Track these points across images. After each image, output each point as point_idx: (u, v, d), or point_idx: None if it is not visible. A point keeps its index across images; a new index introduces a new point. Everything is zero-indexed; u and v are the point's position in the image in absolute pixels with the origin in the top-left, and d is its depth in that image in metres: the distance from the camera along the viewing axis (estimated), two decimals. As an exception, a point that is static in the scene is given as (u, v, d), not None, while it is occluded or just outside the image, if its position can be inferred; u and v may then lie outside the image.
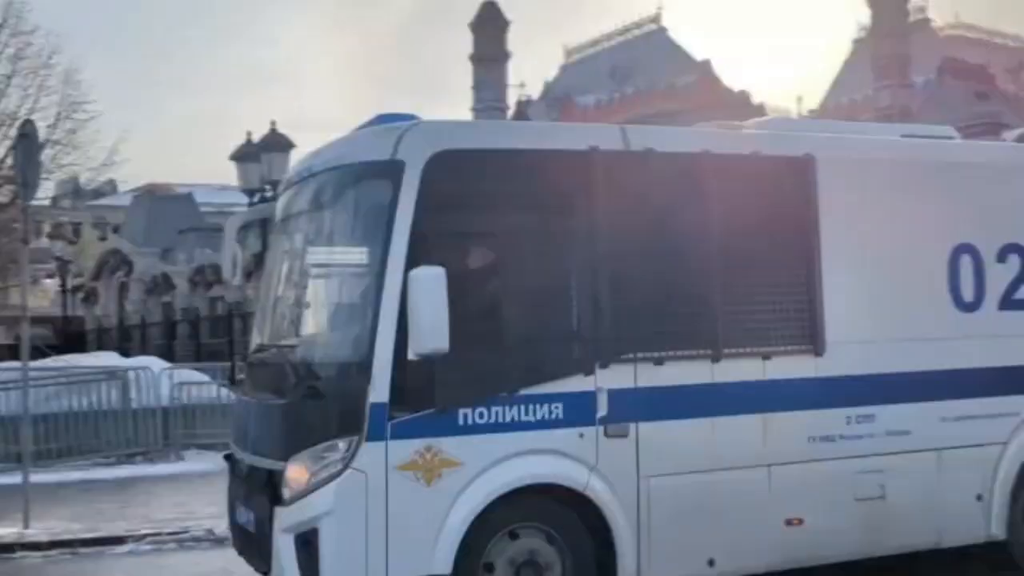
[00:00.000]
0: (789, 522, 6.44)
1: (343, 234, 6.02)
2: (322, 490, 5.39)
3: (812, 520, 6.51)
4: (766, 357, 6.43)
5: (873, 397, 6.75)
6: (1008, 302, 7.29)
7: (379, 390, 5.39)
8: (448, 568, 5.49)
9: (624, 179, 6.10)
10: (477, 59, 65.38)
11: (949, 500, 6.97)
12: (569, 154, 5.99)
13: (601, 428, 5.91)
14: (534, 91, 68.63)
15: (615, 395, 5.96)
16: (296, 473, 5.51)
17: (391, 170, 5.57)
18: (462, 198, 5.76)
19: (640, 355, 6.04)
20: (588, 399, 5.89)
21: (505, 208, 5.83)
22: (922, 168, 7.13)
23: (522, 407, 5.73)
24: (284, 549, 5.51)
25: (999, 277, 7.24)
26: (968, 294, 7.15)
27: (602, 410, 5.92)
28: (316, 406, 5.55)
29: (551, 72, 74.94)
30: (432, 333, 5.26)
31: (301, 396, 5.60)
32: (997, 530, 7.08)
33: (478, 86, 64.90)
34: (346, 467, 5.37)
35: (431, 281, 5.28)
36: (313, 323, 6.13)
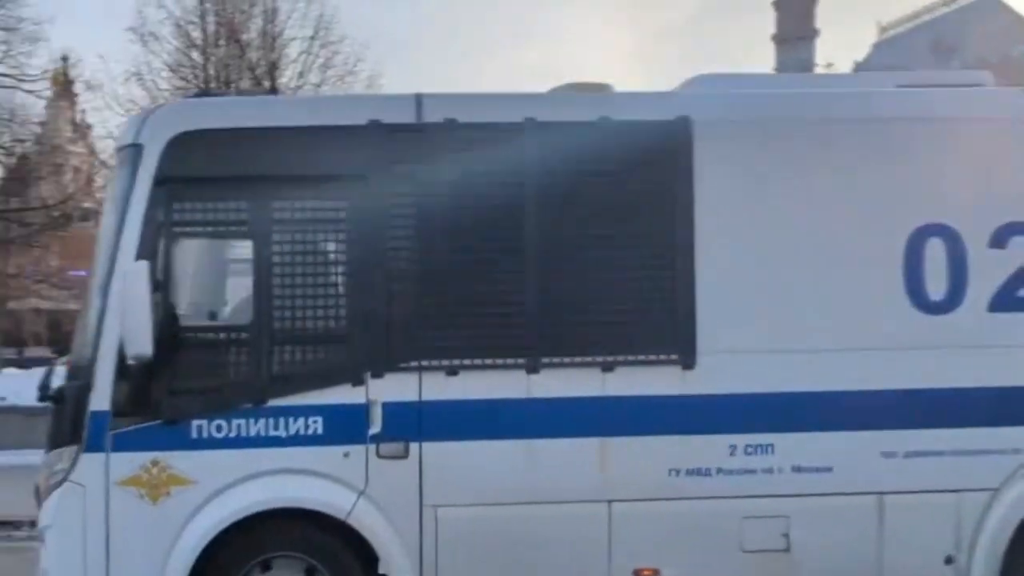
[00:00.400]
0: (639, 573, 5.19)
1: (101, 226, 5.61)
2: (48, 500, 5.11)
3: (672, 573, 5.20)
4: (607, 368, 5.20)
5: (771, 422, 5.26)
6: (1005, 300, 5.40)
7: (100, 397, 4.97)
8: (176, 599, 4.95)
9: (412, 157, 5.19)
10: (780, 39, 62.29)
11: (899, 561, 5.31)
12: (342, 130, 5.19)
13: (373, 447, 5.07)
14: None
15: (392, 409, 5.08)
16: (40, 479, 5.29)
17: (132, 155, 5.11)
18: (208, 184, 5.13)
19: (427, 363, 5.12)
20: (356, 413, 5.06)
21: (260, 194, 5.11)
22: (867, 128, 5.44)
23: (271, 420, 5.04)
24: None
25: (993, 267, 5.39)
26: (937, 290, 5.38)
27: (375, 426, 5.08)
28: (57, 411, 5.25)
29: (862, 52, 69.75)
30: (131, 336, 4.77)
31: (52, 400, 5.32)
32: (976, 606, 5.29)
33: (781, 67, 61.91)
34: (65, 478, 5.02)
35: (131, 277, 4.79)
36: (80, 322, 5.80)
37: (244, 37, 23.18)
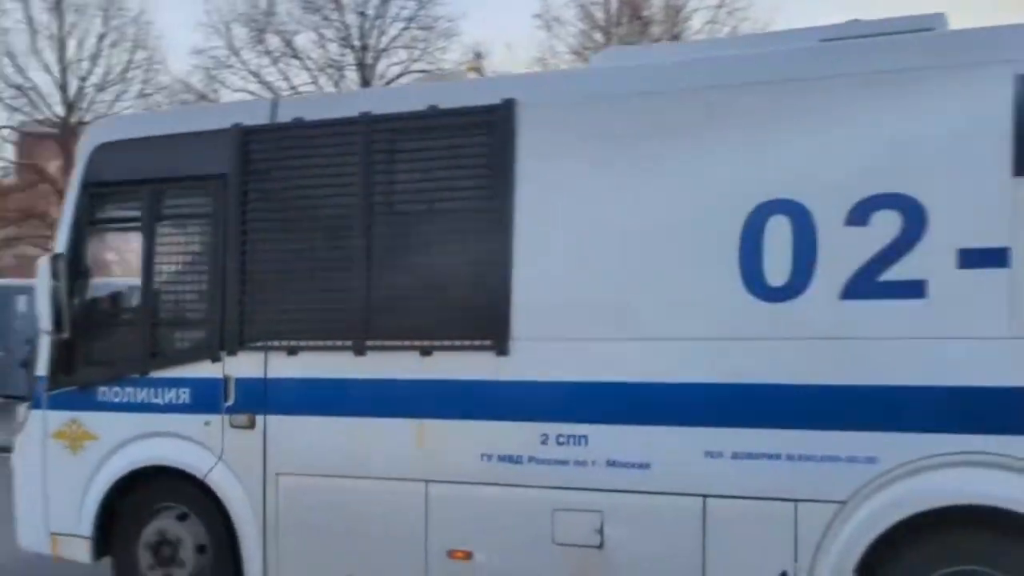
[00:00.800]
0: (452, 554, 5.27)
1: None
2: (15, 438, 6.44)
3: (484, 558, 5.21)
4: (425, 352, 5.31)
5: (585, 413, 5.03)
6: (863, 286, 4.59)
7: (41, 365, 6.19)
8: (89, 531, 6.04)
9: (266, 156, 5.69)
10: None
11: (725, 572, 4.83)
12: (211, 135, 5.79)
13: (227, 417, 5.72)
14: None
15: (243, 384, 5.68)
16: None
17: (80, 163, 6.24)
18: (112, 189, 6.07)
19: (272, 343, 5.62)
20: (215, 386, 5.74)
21: (148, 195, 5.89)
22: (697, 99, 4.87)
23: (152, 389, 5.89)
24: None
25: (848, 248, 4.62)
26: (778, 274, 4.74)
27: (229, 399, 5.72)
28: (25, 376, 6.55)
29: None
30: (42, 316, 5.88)
31: (24, 367, 6.64)
32: (813, 631, 4.63)
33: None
34: (22, 427, 6.30)
35: (40, 268, 5.90)
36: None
37: (646, 13, 22.91)
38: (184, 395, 5.80)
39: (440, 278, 5.31)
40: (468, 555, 5.23)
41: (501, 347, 5.15)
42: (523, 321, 5.11)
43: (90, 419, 6.02)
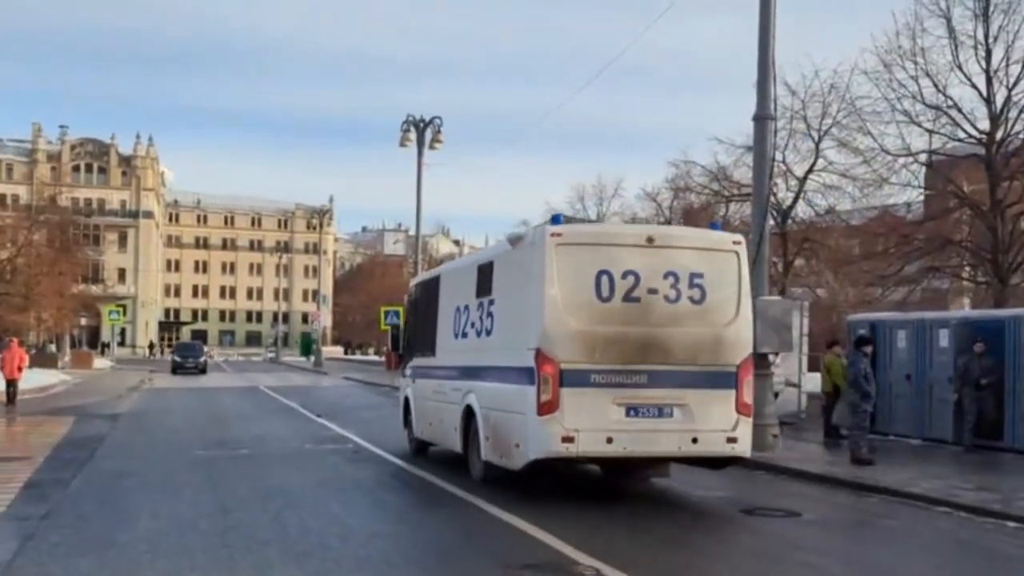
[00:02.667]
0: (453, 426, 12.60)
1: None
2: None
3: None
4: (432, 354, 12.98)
5: (449, 372, 13.28)
6: (460, 334, 13.20)
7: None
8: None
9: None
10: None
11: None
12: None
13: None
14: None
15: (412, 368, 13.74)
16: None
17: None
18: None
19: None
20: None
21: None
22: None
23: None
24: None
25: (461, 323, 13.26)
26: (458, 330, 13.08)
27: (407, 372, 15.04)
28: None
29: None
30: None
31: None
32: None
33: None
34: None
35: None
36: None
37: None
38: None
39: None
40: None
41: (433, 352, 12.35)
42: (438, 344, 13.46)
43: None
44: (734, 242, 10.92)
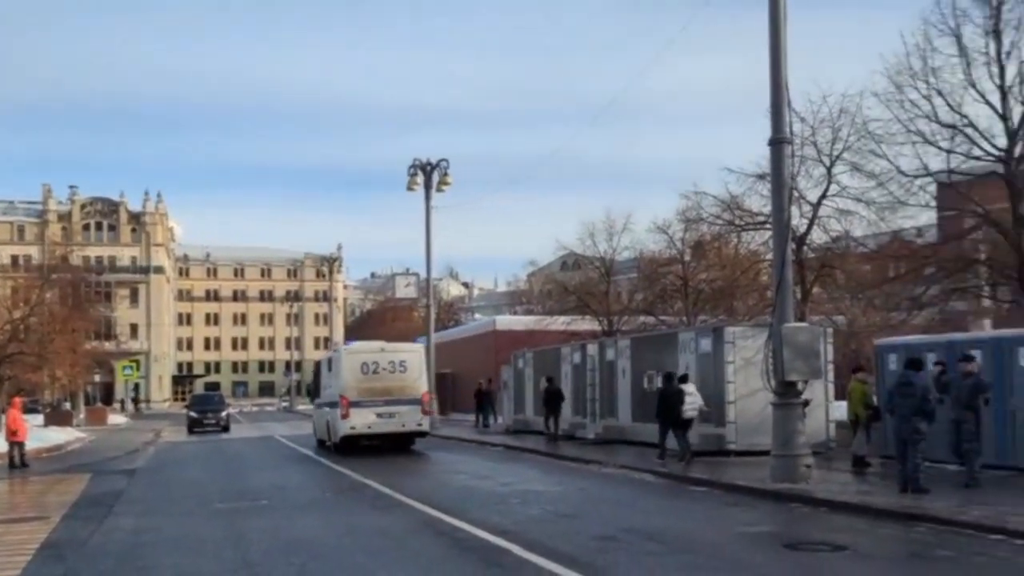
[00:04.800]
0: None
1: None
2: None
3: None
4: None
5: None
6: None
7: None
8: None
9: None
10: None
11: None
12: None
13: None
14: None
15: None
16: None
17: None
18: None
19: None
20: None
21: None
22: None
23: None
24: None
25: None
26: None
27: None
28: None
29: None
30: None
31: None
32: None
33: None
34: None
35: None
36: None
37: None
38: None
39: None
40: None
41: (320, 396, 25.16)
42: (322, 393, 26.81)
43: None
44: (419, 347, 27.62)
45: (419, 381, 25.14)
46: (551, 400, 27.09)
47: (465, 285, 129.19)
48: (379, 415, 24.31)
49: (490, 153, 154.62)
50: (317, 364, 32.26)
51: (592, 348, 27.42)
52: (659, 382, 20.91)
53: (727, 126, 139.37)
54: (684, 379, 20.14)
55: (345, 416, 24.19)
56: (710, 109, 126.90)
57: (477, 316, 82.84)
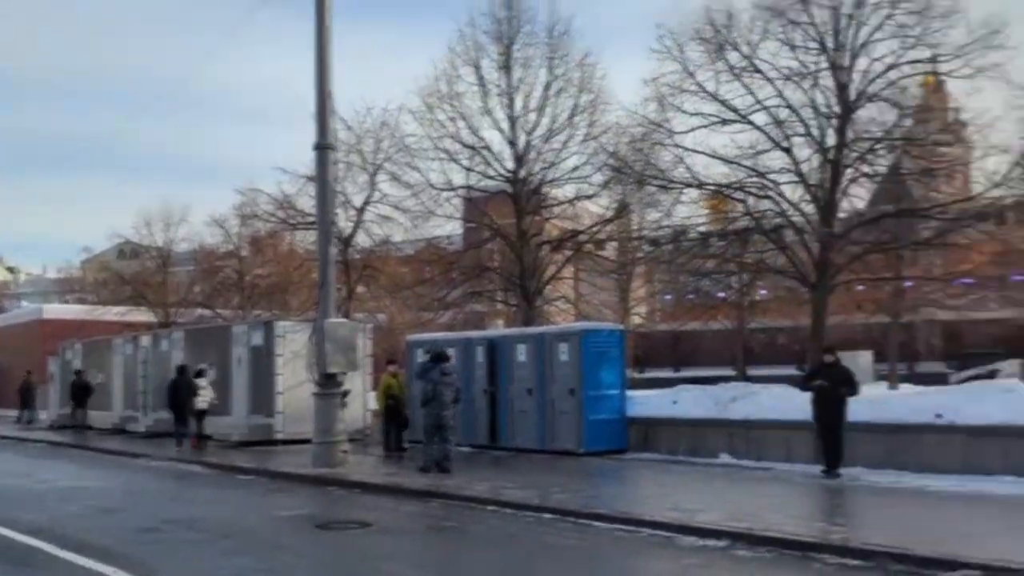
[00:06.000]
0: None
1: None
2: None
3: None
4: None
5: None
6: None
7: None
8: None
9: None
10: None
11: None
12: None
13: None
14: None
15: None
16: None
17: None
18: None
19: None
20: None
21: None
22: None
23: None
24: None
25: None
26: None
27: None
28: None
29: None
30: None
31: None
32: None
33: None
34: None
35: None
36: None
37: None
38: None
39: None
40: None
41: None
42: None
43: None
44: None
45: None
46: (78, 393, 28.06)
47: (10, 270, 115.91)
48: None
49: (26, 128, 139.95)
50: None
51: (146, 340, 27.12)
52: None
53: (283, 126, 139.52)
54: (200, 373, 21.69)
55: None
56: (267, 107, 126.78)
57: (24, 303, 74.87)
